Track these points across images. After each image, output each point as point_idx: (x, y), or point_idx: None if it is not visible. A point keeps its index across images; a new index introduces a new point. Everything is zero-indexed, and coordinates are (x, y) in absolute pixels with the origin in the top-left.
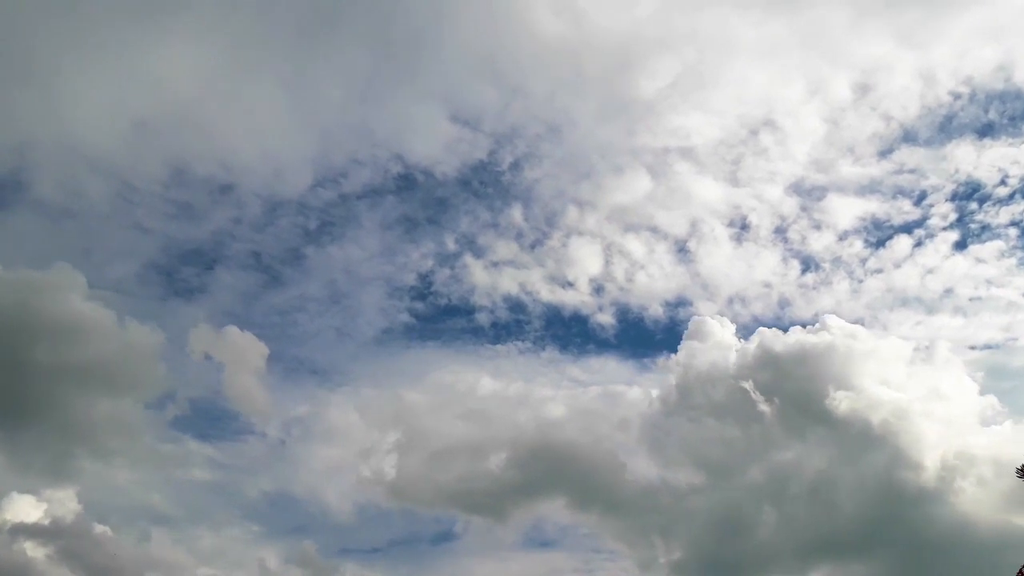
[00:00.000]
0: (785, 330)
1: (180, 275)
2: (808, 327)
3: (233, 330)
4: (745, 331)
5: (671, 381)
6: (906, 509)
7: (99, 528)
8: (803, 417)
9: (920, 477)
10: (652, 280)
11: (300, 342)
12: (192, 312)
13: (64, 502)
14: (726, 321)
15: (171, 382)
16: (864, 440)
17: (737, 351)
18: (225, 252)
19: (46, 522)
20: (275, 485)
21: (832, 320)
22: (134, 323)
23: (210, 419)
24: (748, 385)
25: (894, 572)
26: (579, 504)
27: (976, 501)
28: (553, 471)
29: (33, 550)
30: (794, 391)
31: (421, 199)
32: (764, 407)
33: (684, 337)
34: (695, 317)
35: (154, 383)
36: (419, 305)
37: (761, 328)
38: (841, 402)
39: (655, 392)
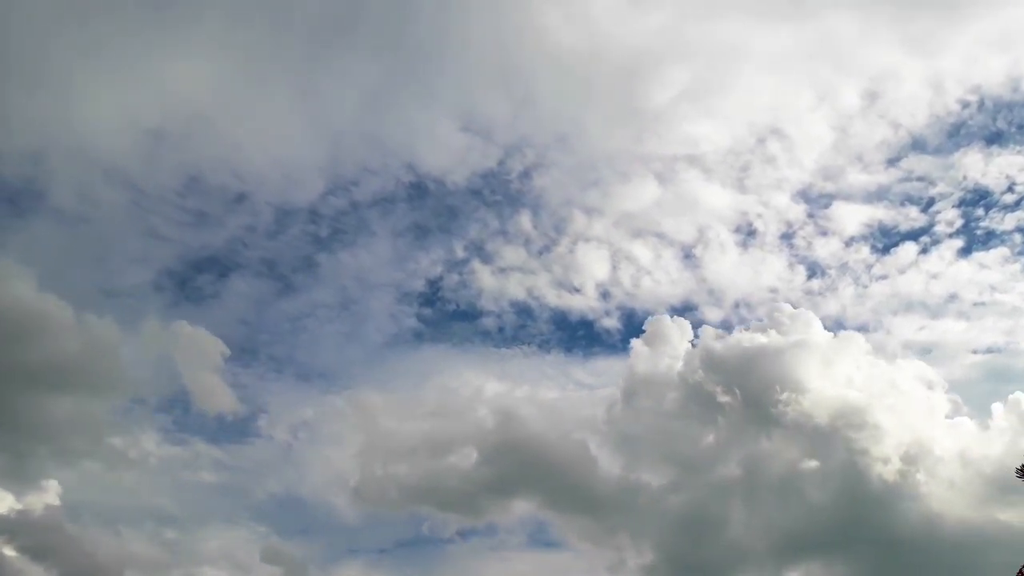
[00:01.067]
0: None
1: (195, 283)
2: (759, 324)
3: (184, 325)
4: None
5: (625, 383)
6: (868, 508)
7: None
8: (757, 417)
9: (879, 475)
10: (658, 285)
11: (310, 348)
12: (203, 318)
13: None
14: (683, 321)
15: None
16: (820, 439)
17: (689, 352)
18: (237, 260)
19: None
20: (281, 487)
21: (791, 315)
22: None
23: (218, 422)
24: (699, 385)
25: (862, 570)
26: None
27: (939, 497)
28: (525, 471)
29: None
30: (748, 390)
31: (432, 207)
32: (718, 407)
33: (641, 339)
34: (651, 318)
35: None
36: (427, 311)
37: (706, 326)
38: (793, 402)
39: (616, 394)
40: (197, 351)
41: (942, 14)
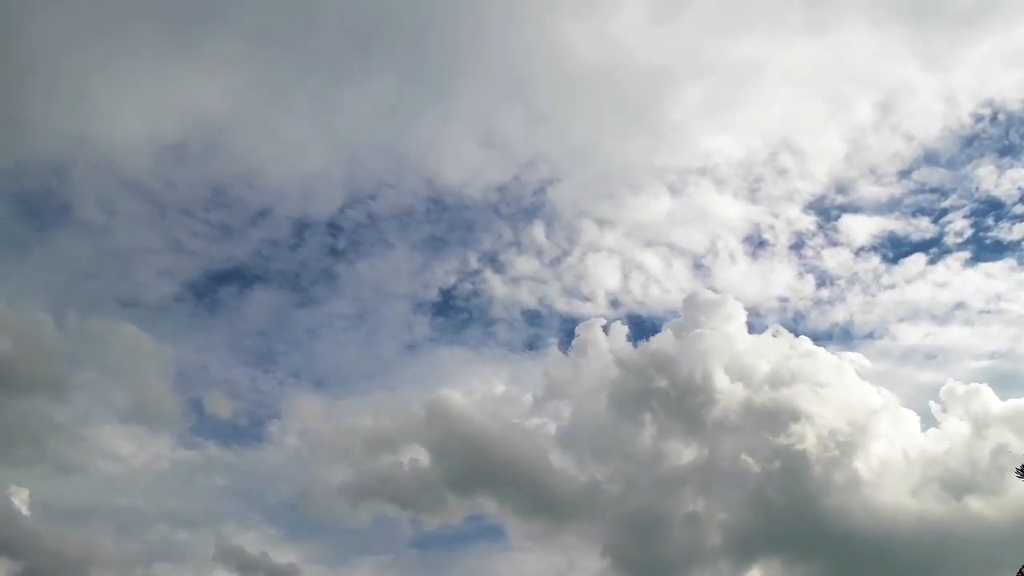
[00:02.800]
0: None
1: (217, 295)
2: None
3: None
4: None
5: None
6: (806, 506)
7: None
8: (684, 417)
9: (814, 471)
10: (667, 294)
11: (326, 355)
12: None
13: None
14: (618, 325)
15: None
16: (752, 436)
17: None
18: (257, 271)
19: None
20: (292, 491)
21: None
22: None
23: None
24: (623, 387)
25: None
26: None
27: (876, 491)
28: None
29: None
30: (674, 390)
31: (448, 220)
32: (646, 407)
33: (573, 344)
34: (583, 322)
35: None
36: (440, 319)
37: (622, 327)
38: (721, 403)
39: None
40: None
41: (956, 30)
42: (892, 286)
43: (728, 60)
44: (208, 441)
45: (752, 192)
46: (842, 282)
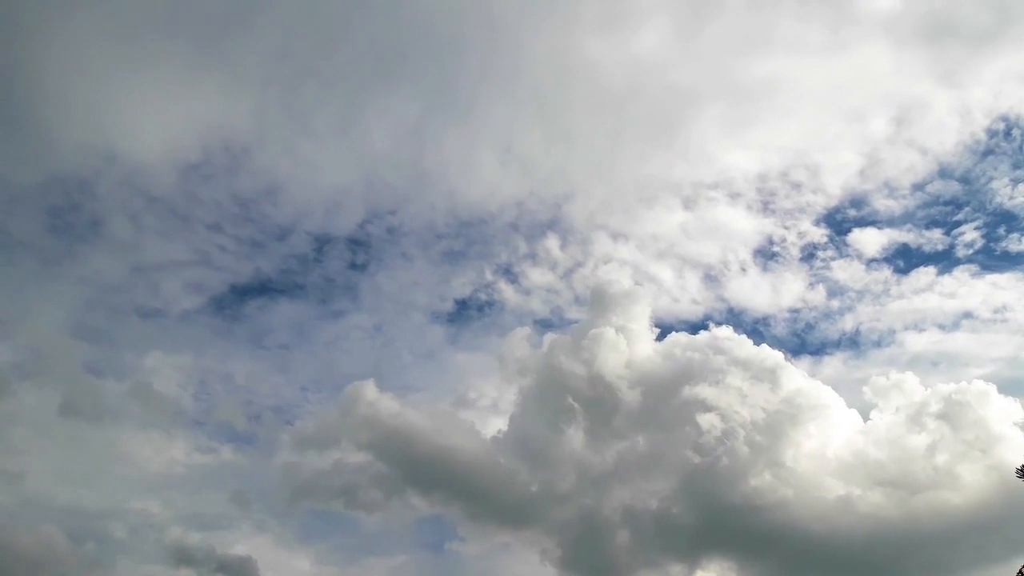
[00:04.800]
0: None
1: (241, 307)
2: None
3: None
4: None
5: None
6: (736, 513)
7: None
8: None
9: (754, 482)
10: (677, 304)
11: (344, 363)
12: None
13: None
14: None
15: None
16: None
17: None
18: (278, 286)
19: None
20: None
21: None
22: None
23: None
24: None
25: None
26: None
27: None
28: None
29: None
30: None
31: (466, 235)
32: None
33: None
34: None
35: None
36: (453, 328)
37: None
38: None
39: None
40: None
41: (972, 48)
42: (902, 296)
43: (749, 78)
44: (224, 446)
45: (765, 205)
46: (852, 294)
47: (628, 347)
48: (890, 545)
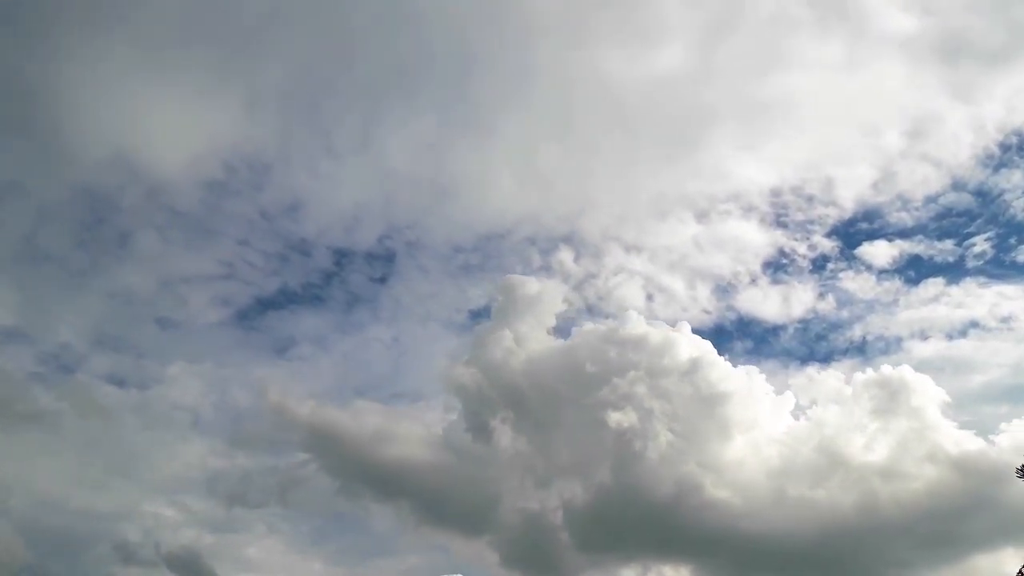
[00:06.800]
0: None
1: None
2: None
3: None
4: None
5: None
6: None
7: None
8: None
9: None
10: (687, 314)
11: (362, 373)
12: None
13: None
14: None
15: None
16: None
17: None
18: (298, 299)
19: None
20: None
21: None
22: None
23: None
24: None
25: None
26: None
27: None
28: None
29: None
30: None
31: (482, 248)
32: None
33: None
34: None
35: None
36: (466, 337)
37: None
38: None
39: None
40: None
41: (986, 65)
42: (910, 306)
43: (765, 95)
44: (240, 451)
45: (778, 218)
46: (862, 304)
47: (525, 346)
48: (846, 538)
